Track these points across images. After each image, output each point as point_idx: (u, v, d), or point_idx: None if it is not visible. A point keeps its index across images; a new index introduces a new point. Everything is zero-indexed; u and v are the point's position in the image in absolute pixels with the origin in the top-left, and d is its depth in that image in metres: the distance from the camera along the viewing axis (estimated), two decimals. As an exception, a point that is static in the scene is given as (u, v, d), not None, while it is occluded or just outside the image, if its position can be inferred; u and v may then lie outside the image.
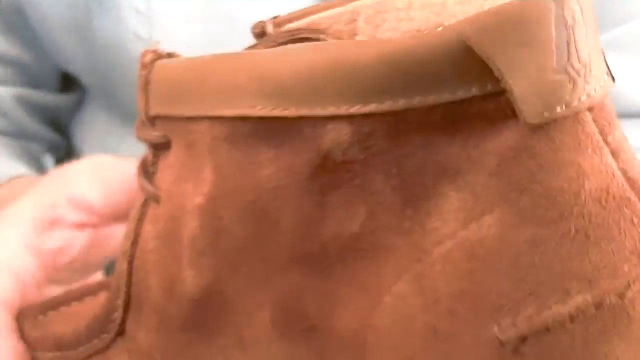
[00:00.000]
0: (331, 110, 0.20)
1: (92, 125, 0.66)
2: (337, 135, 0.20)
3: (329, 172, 0.21)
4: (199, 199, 0.24)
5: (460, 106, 0.19)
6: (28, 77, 0.66)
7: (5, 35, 0.64)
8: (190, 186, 0.24)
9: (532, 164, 0.19)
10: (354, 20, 0.25)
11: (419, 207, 0.20)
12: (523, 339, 0.19)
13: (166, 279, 0.25)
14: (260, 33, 0.26)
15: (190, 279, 0.25)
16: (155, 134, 0.25)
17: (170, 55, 0.25)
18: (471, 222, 0.20)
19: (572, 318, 0.19)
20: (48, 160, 0.72)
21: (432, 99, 0.19)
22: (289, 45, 0.22)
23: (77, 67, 0.61)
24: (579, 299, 0.19)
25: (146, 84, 0.25)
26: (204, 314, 0.25)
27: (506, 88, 0.19)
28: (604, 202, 0.19)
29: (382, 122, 0.20)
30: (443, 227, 0.20)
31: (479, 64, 0.19)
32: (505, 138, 0.19)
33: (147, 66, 0.25)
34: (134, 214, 0.27)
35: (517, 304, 0.19)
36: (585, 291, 0.19)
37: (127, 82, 0.53)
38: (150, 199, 0.26)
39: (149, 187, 0.26)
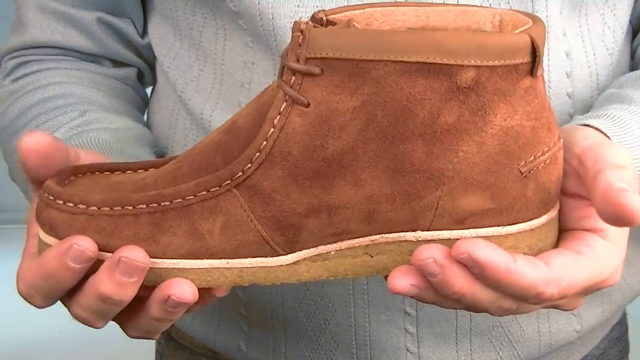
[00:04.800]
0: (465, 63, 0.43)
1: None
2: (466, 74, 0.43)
3: (454, 91, 0.44)
4: (354, 103, 0.44)
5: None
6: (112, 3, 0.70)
7: None
8: (344, 97, 0.44)
9: None
10: (370, 16, 0.48)
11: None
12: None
13: (308, 148, 0.45)
14: (318, 19, 0.47)
15: (332, 147, 0.45)
16: (311, 67, 0.44)
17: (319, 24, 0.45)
18: (509, 118, 0.45)
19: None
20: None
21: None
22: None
23: None
24: None
25: (303, 39, 0.44)
26: (332, 167, 0.45)
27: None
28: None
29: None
30: (494, 120, 0.45)
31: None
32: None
33: (304, 31, 0.44)
34: (276, 111, 0.45)
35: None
36: None
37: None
38: (297, 103, 0.45)
39: (298, 96, 0.45)
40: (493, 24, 0.49)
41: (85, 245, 0.47)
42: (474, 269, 0.45)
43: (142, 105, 0.76)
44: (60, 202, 0.48)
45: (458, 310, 0.64)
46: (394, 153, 0.45)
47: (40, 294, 0.49)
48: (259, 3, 0.60)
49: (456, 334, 0.65)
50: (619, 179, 0.44)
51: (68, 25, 0.70)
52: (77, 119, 0.64)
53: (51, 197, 0.49)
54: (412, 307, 0.63)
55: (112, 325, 0.52)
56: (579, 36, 0.65)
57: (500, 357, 0.66)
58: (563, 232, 0.50)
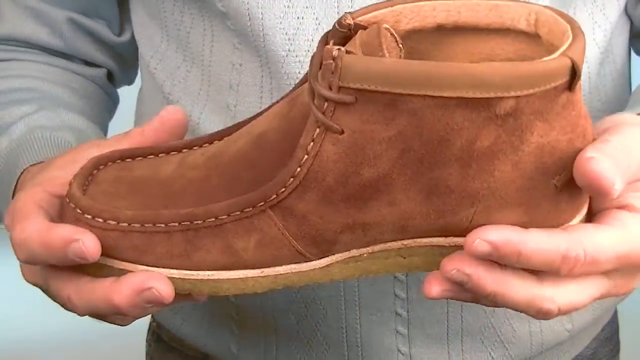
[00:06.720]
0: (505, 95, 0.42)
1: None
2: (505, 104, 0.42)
3: (492, 119, 0.43)
4: (389, 133, 0.43)
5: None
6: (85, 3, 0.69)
7: None
8: (379, 127, 0.43)
9: None
10: (399, 14, 0.46)
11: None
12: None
13: (343, 174, 0.44)
14: (346, 25, 0.45)
15: (367, 174, 0.44)
16: (344, 96, 0.43)
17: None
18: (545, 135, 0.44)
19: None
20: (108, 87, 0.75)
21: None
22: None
23: None
24: None
25: (336, 67, 0.42)
26: (367, 191, 0.45)
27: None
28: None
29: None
30: (531, 138, 0.44)
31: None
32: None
33: (336, 58, 0.42)
34: (309, 138, 0.44)
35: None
36: None
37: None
38: (330, 130, 0.44)
39: (332, 123, 0.43)
40: (528, 22, 0.47)
41: (89, 248, 0.46)
42: (492, 255, 0.44)
43: (112, 106, 0.76)
44: (89, 217, 0.48)
45: (449, 311, 0.64)
46: (429, 177, 0.45)
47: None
48: (248, 3, 0.59)
49: (447, 334, 0.65)
50: (594, 149, 0.44)
51: (38, 22, 0.69)
52: (33, 113, 0.63)
53: (79, 211, 0.48)
54: (403, 308, 0.63)
55: (106, 328, 0.52)
56: None
57: (492, 358, 0.66)
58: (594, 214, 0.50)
